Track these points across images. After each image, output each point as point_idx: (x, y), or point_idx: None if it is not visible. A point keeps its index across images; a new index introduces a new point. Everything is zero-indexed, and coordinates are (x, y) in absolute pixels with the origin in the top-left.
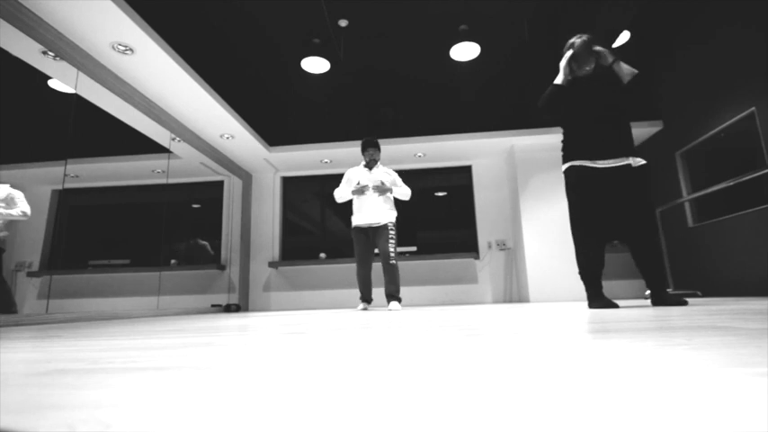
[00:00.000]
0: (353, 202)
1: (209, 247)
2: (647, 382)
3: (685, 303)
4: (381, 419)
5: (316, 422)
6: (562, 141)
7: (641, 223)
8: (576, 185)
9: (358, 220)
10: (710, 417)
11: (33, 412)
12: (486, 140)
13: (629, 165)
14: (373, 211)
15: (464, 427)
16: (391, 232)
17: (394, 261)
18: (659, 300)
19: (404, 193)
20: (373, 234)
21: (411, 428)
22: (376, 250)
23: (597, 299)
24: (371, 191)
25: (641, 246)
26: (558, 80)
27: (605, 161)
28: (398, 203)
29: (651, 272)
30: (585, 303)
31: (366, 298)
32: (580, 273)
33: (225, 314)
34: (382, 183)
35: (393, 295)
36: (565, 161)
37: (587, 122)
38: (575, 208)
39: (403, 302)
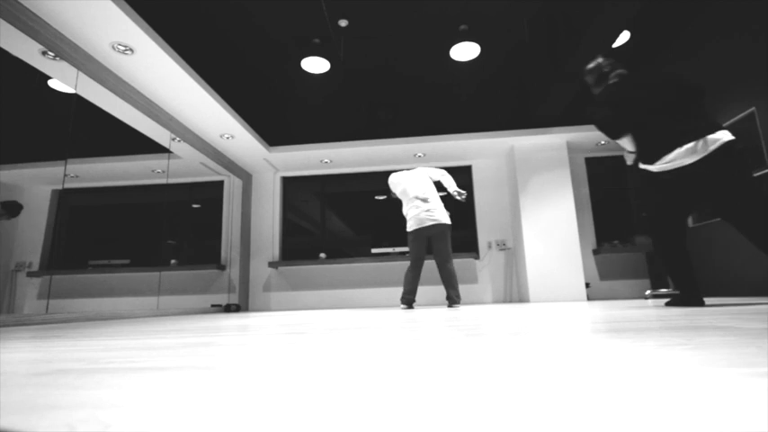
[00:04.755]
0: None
1: (175, 249)
2: (648, 382)
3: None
4: (383, 421)
5: (316, 422)
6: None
7: (738, 209)
8: (652, 185)
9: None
10: (711, 417)
11: (33, 412)
12: (486, 140)
13: (705, 157)
14: (436, 208)
15: (467, 427)
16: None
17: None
18: None
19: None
20: (435, 233)
21: (413, 429)
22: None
23: (686, 296)
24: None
25: (747, 223)
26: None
27: (679, 160)
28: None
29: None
30: (585, 303)
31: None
32: (666, 269)
33: (225, 314)
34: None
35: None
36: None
37: (648, 128)
38: (649, 206)
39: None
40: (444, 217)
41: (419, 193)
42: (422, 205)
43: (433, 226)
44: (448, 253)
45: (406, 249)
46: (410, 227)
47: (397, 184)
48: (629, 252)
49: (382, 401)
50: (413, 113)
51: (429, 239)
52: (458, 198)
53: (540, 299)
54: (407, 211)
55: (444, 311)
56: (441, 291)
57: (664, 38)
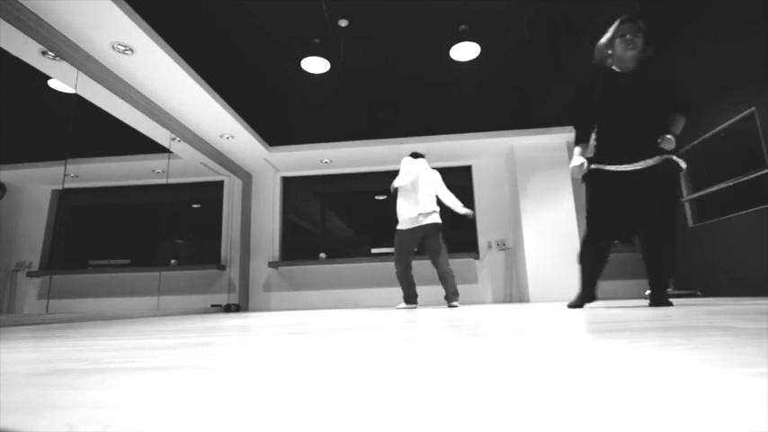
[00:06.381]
0: (406, 196)
1: (183, 248)
2: (648, 382)
3: (670, 305)
4: (384, 422)
5: (316, 423)
6: (595, 140)
7: (655, 222)
8: (595, 187)
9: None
10: (710, 417)
11: (33, 412)
12: (486, 140)
13: (654, 166)
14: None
15: (467, 428)
16: (395, 241)
17: (396, 270)
18: (657, 302)
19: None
20: (429, 231)
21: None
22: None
23: (585, 298)
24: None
25: (652, 244)
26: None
27: (631, 165)
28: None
29: (655, 273)
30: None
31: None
32: (580, 268)
33: (225, 314)
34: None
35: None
36: (589, 163)
37: (620, 124)
38: (591, 208)
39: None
40: (438, 218)
41: (430, 192)
42: (426, 206)
43: (430, 224)
44: (443, 250)
45: None
46: (406, 225)
47: (411, 173)
48: (628, 252)
49: (383, 402)
50: (413, 113)
51: (423, 238)
52: (464, 213)
53: (539, 299)
54: (409, 205)
55: (443, 311)
56: (439, 291)
57: (664, 38)
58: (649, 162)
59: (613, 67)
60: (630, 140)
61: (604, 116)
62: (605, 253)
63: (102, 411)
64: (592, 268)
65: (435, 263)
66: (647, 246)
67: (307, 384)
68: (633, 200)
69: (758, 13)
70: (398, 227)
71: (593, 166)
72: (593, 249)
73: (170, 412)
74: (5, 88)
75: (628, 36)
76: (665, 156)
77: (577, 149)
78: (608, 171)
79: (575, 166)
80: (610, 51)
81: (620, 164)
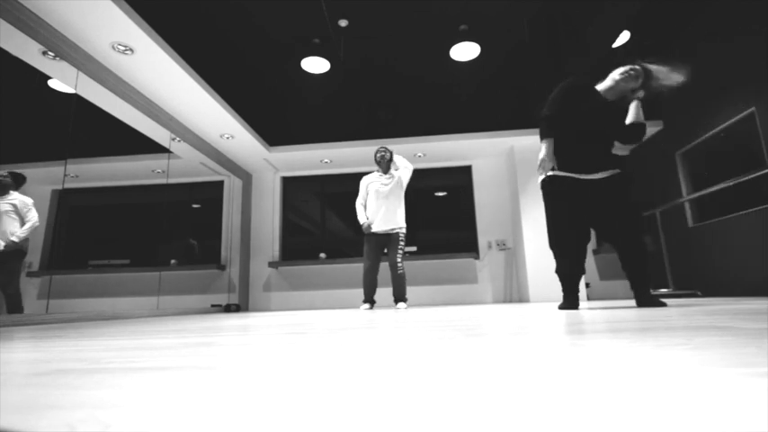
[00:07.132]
0: (370, 206)
1: (196, 248)
2: (648, 382)
3: (664, 305)
4: (385, 422)
5: (317, 423)
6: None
7: (625, 225)
8: (556, 193)
9: (373, 225)
10: (710, 417)
11: (33, 412)
12: (486, 140)
13: (607, 177)
14: (388, 218)
15: (462, 429)
16: (401, 242)
17: (401, 271)
18: (644, 301)
19: (407, 174)
20: (386, 240)
21: (411, 429)
22: (385, 250)
23: (571, 302)
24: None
25: (626, 248)
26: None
27: (587, 175)
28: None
29: (636, 273)
30: (585, 303)
31: (370, 299)
32: (560, 277)
33: (225, 314)
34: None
35: (399, 299)
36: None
37: (578, 138)
38: (554, 216)
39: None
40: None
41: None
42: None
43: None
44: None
45: (408, 249)
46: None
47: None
48: None
49: (384, 402)
50: (413, 113)
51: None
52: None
53: (540, 299)
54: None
55: (441, 312)
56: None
57: (664, 38)
58: (611, 172)
59: (597, 86)
60: (594, 153)
61: (576, 125)
62: (583, 257)
63: (102, 411)
64: (575, 274)
65: (378, 266)
66: (626, 249)
67: (307, 385)
68: (600, 206)
69: (758, 13)
70: (404, 230)
71: (554, 173)
72: (572, 256)
73: (170, 412)
74: (5, 88)
75: (633, 73)
76: (617, 170)
77: (548, 142)
78: (574, 179)
79: (549, 157)
80: (620, 80)
81: (584, 173)
